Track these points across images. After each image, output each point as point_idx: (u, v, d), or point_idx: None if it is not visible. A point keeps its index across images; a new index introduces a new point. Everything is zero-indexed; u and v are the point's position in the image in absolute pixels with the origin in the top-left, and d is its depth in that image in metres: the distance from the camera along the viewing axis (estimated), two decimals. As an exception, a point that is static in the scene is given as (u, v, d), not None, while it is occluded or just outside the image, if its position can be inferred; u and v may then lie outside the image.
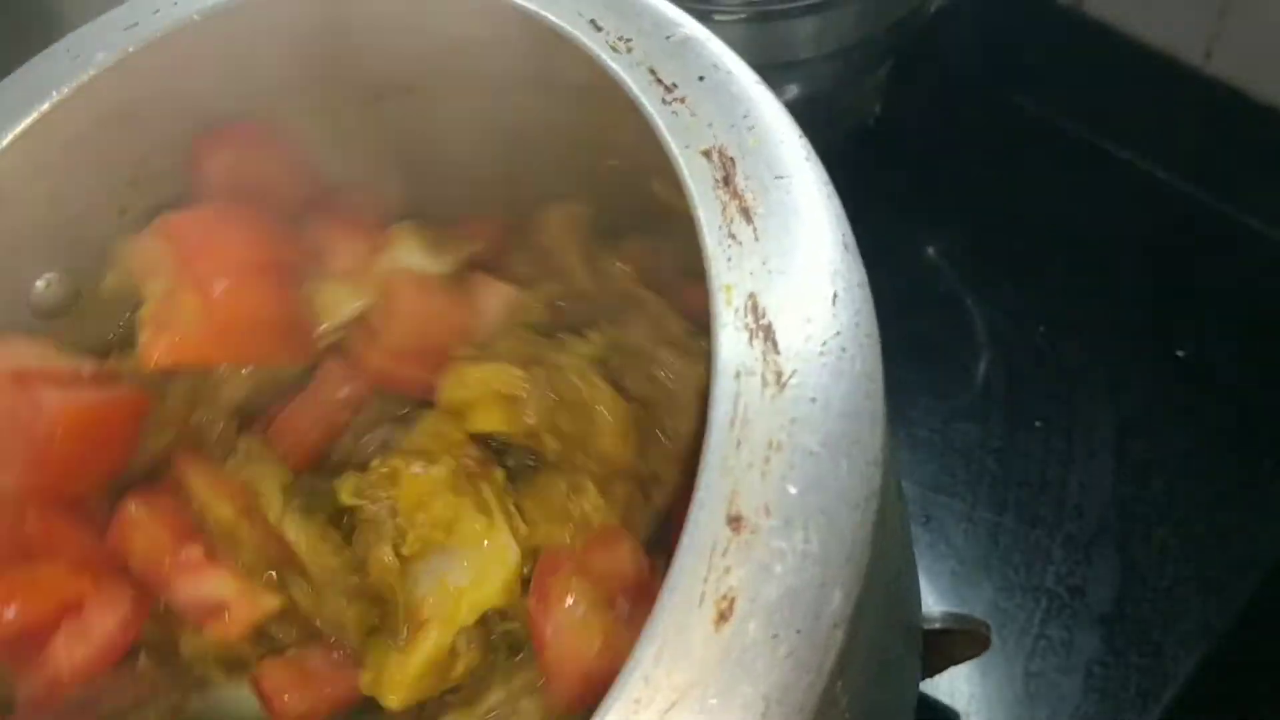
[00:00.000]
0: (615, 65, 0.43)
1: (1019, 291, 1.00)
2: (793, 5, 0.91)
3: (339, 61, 0.54)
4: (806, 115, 1.03)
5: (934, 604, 0.85)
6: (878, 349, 0.37)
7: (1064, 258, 1.02)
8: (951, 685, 0.81)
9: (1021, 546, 0.88)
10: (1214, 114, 1.07)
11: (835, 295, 0.37)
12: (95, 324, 0.58)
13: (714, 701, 0.32)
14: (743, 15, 0.90)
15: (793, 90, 1.00)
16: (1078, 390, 0.95)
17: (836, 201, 0.40)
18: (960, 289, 1.00)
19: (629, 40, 0.44)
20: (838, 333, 0.36)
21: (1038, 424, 0.93)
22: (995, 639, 0.71)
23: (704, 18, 0.88)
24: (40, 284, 0.56)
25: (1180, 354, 0.95)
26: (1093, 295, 0.99)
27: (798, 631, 0.33)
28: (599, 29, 0.44)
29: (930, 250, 1.03)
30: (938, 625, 0.69)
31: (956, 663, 0.72)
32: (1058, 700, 0.81)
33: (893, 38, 0.99)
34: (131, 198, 0.57)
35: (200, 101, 0.56)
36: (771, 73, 0.94)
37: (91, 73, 0.51)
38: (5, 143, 0.51)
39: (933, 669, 0.72)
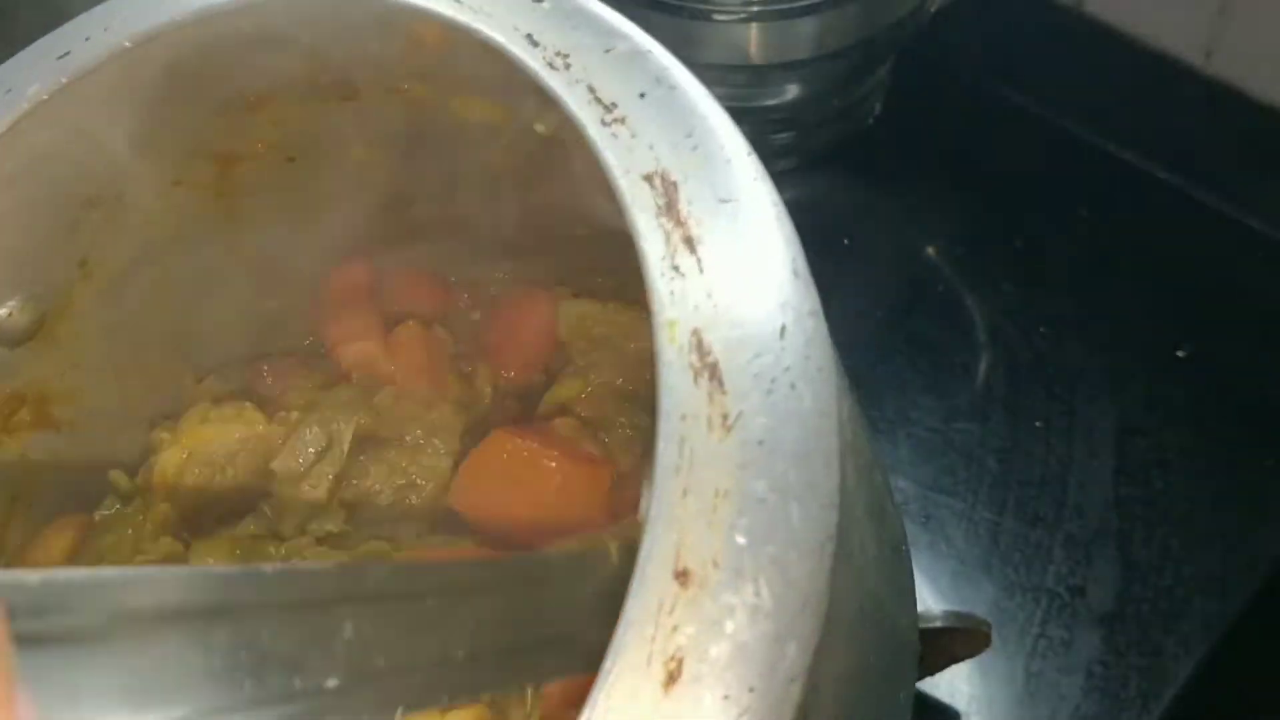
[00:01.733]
0: (552, 83, 0.40)
1: (1019, 291, 0.99)
2: (793, 5, 0.90)
3: (281, 77, 0.53)
4: (807, 115, 1.02)
5: (934, 604, 0.84)
6: (831, 382, 0.34)
7: (1064, 258, 1.01)
8: (951, 685, 0.80)
9: (1022, 546, 0.87)
10: (1214, 114, 1.05)
11: (784, 328, 0.34)
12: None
13: (664, 768, 0.29)
14: (743, 15, 0.89)
15: (793, 90, 0.99)
16: (1078, 390, 0.94)
17: (788, 224, 0.37)
18: (960, 289, 0.99)
19: (567, 56, 0.41)
20: (787, 368, 0.33)
21: (1038, 424, 0.92)
22: (995, 638, 0.71)
23: (704, 18, 0.88)
24: (3, 311, 0.54)
25: (1180, 354, 0.94)
26: (1093, 295, 0.99)
27: (750, 690, 0.30)
28: (536, 44, 0.41)
29: (930, 250, 1.02)
30: (938, 623, 0.69)
31: (957, 661, 0.72)
32: (1058, 700, 0.80)
33: (893, 38, 0.97)
34: (91, 218, 0.55)
35: (146, 121, 0.53)
36: (772, 73, 0.94)
37: (26, 107, 0.49)
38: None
39: (933, 667, 0.72)
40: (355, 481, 0.59)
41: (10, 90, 0.48)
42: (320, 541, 0.57)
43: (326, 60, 0.51)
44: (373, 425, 0.59)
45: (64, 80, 0.48)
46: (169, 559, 0.56)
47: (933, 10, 0.99)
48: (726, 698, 0.30)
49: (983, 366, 0.95)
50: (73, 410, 0.59)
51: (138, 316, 0.60)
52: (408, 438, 0.58)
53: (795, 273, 0.35)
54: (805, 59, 0.95)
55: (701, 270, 0.35)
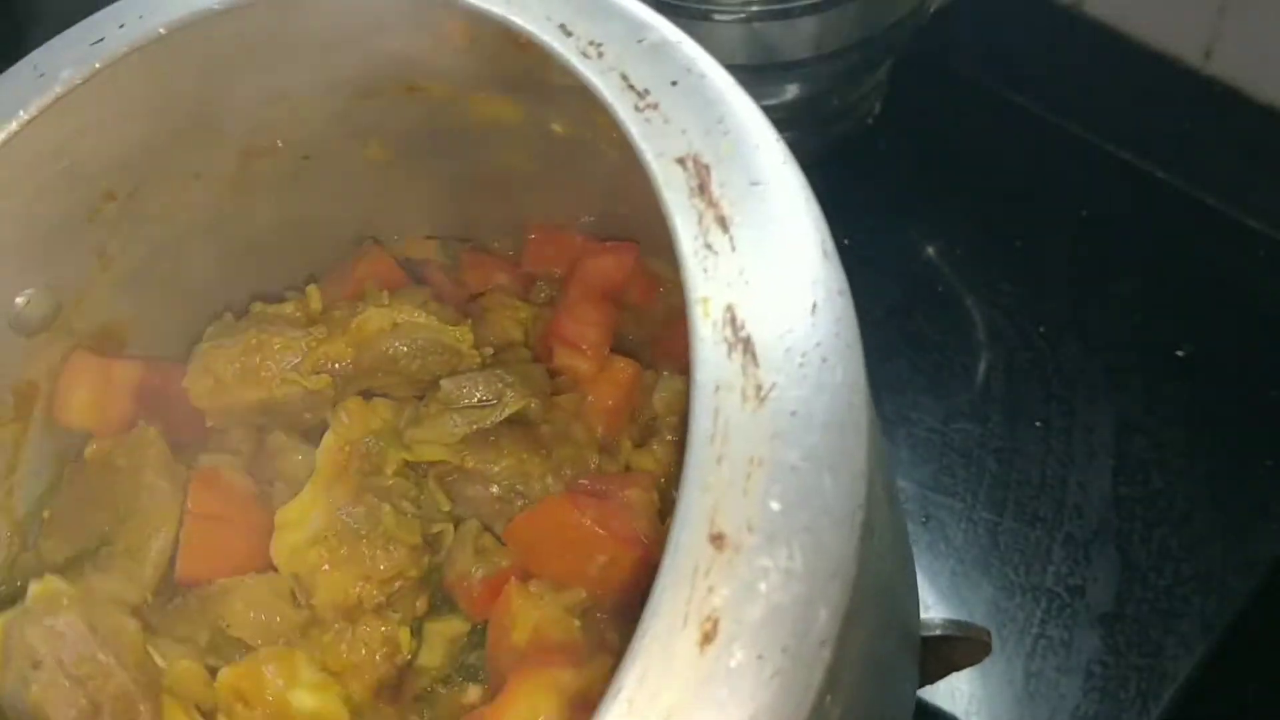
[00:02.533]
0: (586, 71, 0.42)
1: (1019, 291, 1.00)
2: (793, 5, 0.90)
3: (306, 72, 0.54)
4: (807, 115, 1.03)
5: (934, 604, 0.85)
6: (860, 358, 0.36)
7: (1064, 257, 1.02)
8: (951, 685, 0.81)
9: (1021, 546, 0.88)
10: (1214, 114, 1.06)
11: (815, 305, 0.36)
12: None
13: (700, 725, 0.31)
14: (742, 15, 0.90)
15: (793, 90, 1.00)
16: (1078, 390, 0.94)
17: (815, 206, 0.39)
18: (960, 289, 1.00)
19: (600, 45, 0.42)
20: (818, 343, 0.35)
21: (1038, 424, 0.93)
22: (995, 639, 0.70)
23: (704, 18, 0.89)
24: (20, 300, 0.55)
25: (1180, 354, 0.95)
26: (1093, 295, 0.99)
27: (783, 651, 0.32)
28: (569, 34, 0.43)
29: (930, 250, 1.03)
30: (938, 632, 0.68)
31: (957, 669, 0.71)
32: (1058, 700, 0.81)
33: (893, 38, 0.98)
34: (108, 209, 0.56)
35: (172, 112, 0.55)
36: (771, 73, 0.95)
37: (58, 90, 0.50)
38: (-26, 161, 0.50)
39: (933, 676, 0.71)
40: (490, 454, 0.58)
41: (43, 74, 0.49)
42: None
43: (349, 57, 0.53)
44: (531, 414, 0.58)
45: (96, 65, 0.49)
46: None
47: (933, 10, 0.99)
48: (760, 658, 0.31)
49: (983, 366, 0.96)
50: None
51: (152, 310, 0.61)
52: (553, 454, 0.57)
53: (825, 253, 0.37)
54: (805, 59, 0.95)
55: (734, 249, 0.36)
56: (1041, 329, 0.98)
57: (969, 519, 0.89)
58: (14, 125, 0.49)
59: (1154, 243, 1.01)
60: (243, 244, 0.62)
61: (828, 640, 0.32)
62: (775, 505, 0.33)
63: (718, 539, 0.32)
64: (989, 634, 0.69)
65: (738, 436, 0.33)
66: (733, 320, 0.35)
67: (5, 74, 0.51)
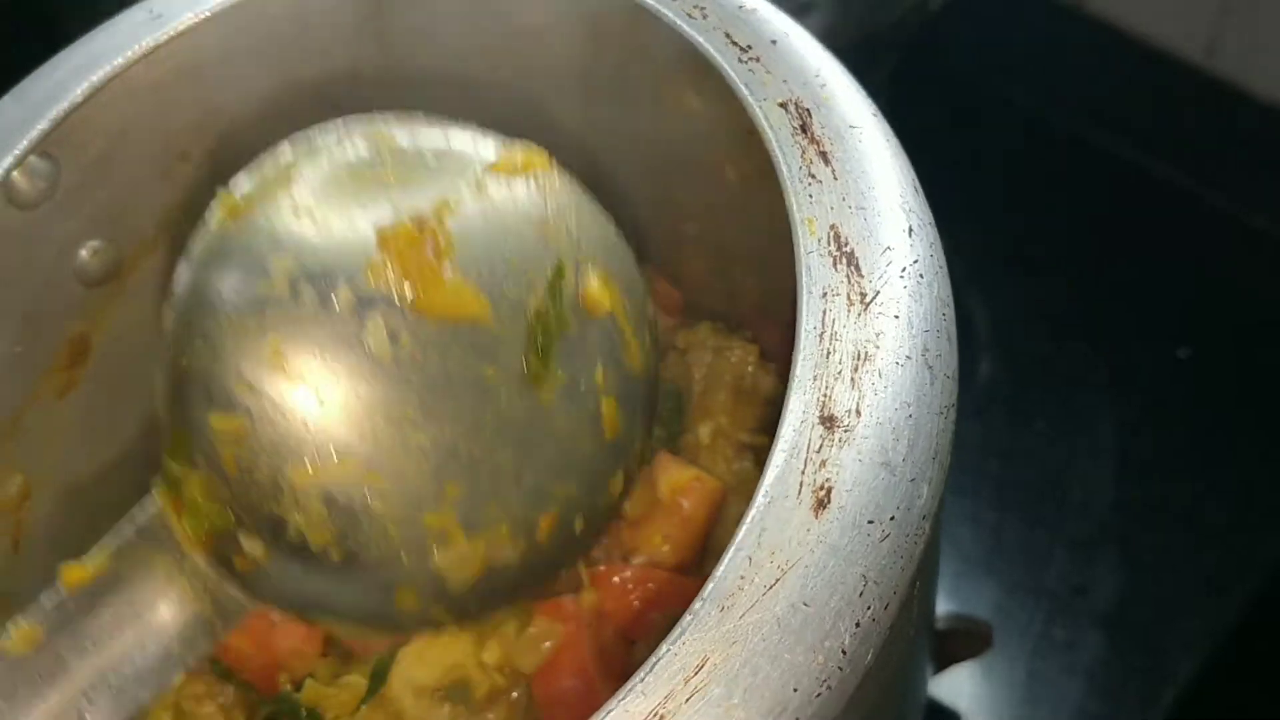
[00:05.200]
0: (692, 30, 0.49)
1: (1019, 291, 1.05)
2: (793, 5, 0.95)
3: (413, 34, 0.59)
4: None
5: (937, 604, 0.85)
6: (948, 280, 0.43)
7: (1064, 257, 1.06)
8: (953, 684, 0.85)
9: (1023, 546, 0.92)
10: (1215, 113, 1.11)
11: (911, 229, 0.43)
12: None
13: (816, 579, 0.36)
14: (742, 15, 0.94)
15: (793, 89, 1.04)
16: (1078, 390, 0.99)
17: (903, 152, 0.47)
18: (960, 289, 1.02)
19: (703, 8, 0.50)
20: (916, 260, 0.42)
21: (1039, 424, 0.98)
22: (997, 639, 0.75)
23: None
24: (85, 252, 0.58)
25: (1181, 354, 1.00)
26: (1093, 295, 1.04)
27: (892, 518, 0.38)
28: None
29: None
30: (941, 625, 0.73)
31: (959, 661, 0.76)
32: (1059, 700, 0.86)
33: (894, 36, 1.02)
34: (181, 170, 0.60)
35: (261, 76, 0.59)
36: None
37: (170, 31, 0.54)
38: (77, 96, 0.53)
39: (936, 668, 0.76)
40: None
41: (159, 16, 0.55)
42: None
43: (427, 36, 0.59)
44: None
45: (215, 8, 0.54)
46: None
47: (934, 9, 1.04)
48: (872, 523, 0.38)
49: (983, 366, 1.01)
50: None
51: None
52: None
53: (916, 189, 0.45)
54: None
55: (836, 178, 0.44)
56: (1042, 329, 1.02)
57: (971, 519, 0.93)
58: (120, 61, 0.54)
59: (1154, 242, 1.05)
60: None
61: (928, 516, 0.39)
62: (881, 394, 0.39)
63: (828, 420, 0.39)
64: (990, 627, 0.74)
65: (845, 335, 0.40)
66: (836, 238, 0.42)
67: (119, 15, 0.56)
